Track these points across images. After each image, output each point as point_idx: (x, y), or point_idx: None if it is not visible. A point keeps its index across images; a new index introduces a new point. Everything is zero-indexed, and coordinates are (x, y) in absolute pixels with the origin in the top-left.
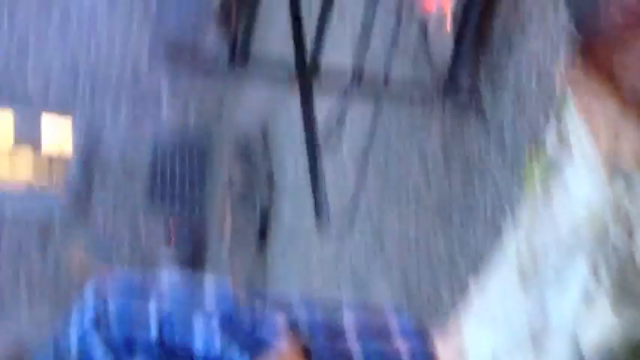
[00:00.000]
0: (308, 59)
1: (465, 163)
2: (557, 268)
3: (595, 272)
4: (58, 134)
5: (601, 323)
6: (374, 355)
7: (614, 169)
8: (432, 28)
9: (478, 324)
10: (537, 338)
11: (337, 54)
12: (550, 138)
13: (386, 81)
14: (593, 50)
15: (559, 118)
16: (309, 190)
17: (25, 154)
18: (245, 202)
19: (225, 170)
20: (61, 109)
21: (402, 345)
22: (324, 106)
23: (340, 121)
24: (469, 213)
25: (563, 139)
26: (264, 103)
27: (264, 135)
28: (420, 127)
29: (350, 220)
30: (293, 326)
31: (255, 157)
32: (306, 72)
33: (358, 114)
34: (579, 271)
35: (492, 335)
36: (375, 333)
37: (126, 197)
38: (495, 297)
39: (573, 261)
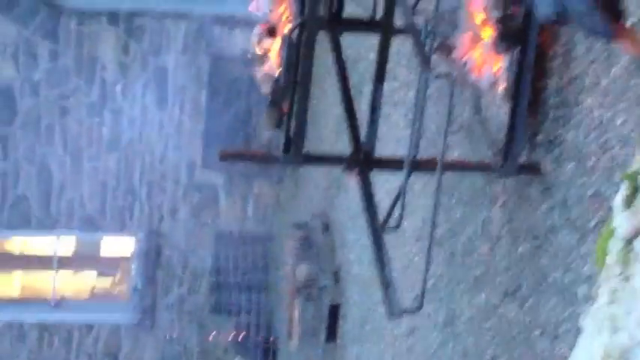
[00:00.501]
0: (362, 147)
1: (530, 231)
2: None
3: None
4: (119, 242)
5: None
6: None
7: None
8: (485, 93)
9: None
10: None
11: (392, 137)
12: (621, 223)
13: (443, 155)
14: None
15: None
16: (376, 279)
17: (90, 265)
18: (312, 298)
19: (288, 265)
20: (120, 220)
21: None
22: (382, 188)
23: (400, 201)
24: (539, 282)
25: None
26: (322, 194)
27: (325, 227)
28: (482, 198)
29: (419, 299)
30: None
31: (319, 251)
32: (361, 160)
33: (417, 191)
34: None
35: None
36: None
37: (191, 299)
38: None
39: None
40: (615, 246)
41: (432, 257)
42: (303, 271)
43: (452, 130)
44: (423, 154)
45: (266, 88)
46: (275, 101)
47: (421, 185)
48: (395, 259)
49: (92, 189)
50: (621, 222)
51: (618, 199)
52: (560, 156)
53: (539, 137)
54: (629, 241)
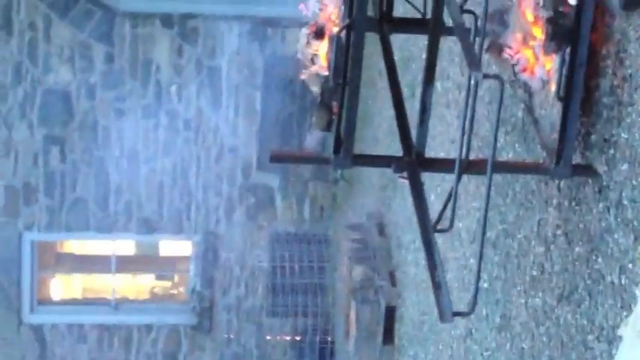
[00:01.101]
0: (413, 148)
1: (585, 233)
2: None
3: None
4: (177, 244)
5: None
6: None
7: None
8: (537, 93)
9: None
10: None
11: (446, 138)
12: None
13: (493, 156)
14: None
15: None
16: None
17: (148, 266)
18: (368, 300)
19: (344, 266)
20: (177, 222)
21: None
22: (436, 189)
23: (452, 202)
24: (595, 285)
25: None
26: (377, 195)
27: (381, 228)
28: (536, 199)
29: (472, 302)
30: None
31: (374, 253)
32: (412, 161)
33: (471, 192)
34: None
35: None
36: None
37: (248, 300)
38: None
39: None
40: None
41: (485, 259)
42: (358, 272)
43: (505, 130)
44: (477, 154)
45: (315, 89)
46: (324, 102)
47: (474, 186)
48: (449, 260)
49: (149, 191)
50: None
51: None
52: (614, 156)
53: (593, 137)
54: None
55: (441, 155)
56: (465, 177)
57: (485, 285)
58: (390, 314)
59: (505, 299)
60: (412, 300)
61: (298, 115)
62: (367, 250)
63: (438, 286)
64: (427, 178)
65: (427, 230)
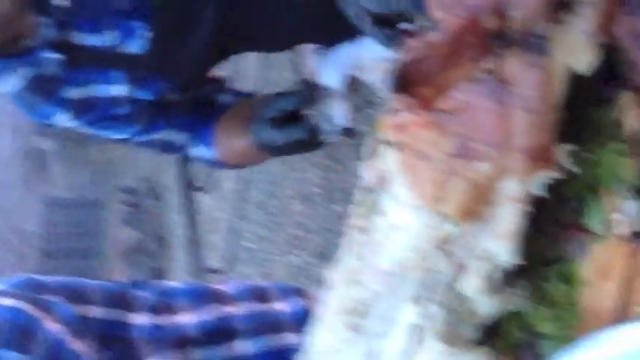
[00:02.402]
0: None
1: (343, 192)
2: (386, 315)
3: (424, 313)
4: None
5: (432, 358)
6: (252, 314)
7: (440, 214)
8: None
9: None
10: None
11: None
12: (369, 175)
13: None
14: (415, 94)
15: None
16: (197, 241)
17: None
18: (137, 263)
19: (115, 230)
20: None
21: (281, 304)
22: None
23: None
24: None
25: (383, 180)
26: (150, 157)
27: (152, 191)
28: (299, 159)
29: (229, 260)
30: None
31: (145, 216)
32: None
33: None
34: (408, 314)
35: None
36: (255, 297)
37: (20, 267)
38: (326, 354)
39: (401, 304)
40: (360, 197)
41: (250, 219)
42: (129, 235)
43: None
44: None
45: None
46: None
47: None
48: (218, 221)
49: None
50: (366, 171)
51: (365, 151)
52: (372, 116)
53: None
54: (371, 191)
55: None
56: None
57: (250, 245)
58: (159, 276)
59: (268, 259)
60: (180, 261)
61: None
62: (139, 213)
63: (194, 243)
64: None
65: (187, 189)
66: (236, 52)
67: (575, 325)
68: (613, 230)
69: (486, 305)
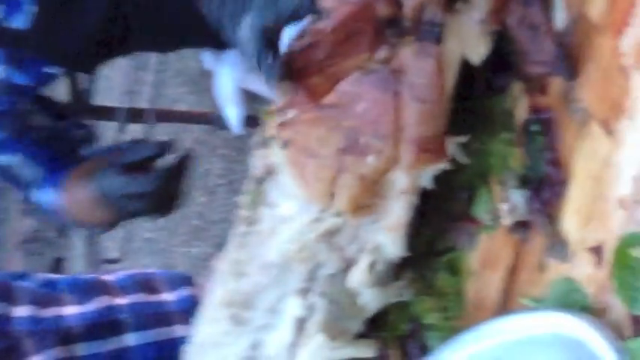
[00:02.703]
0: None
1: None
2: (270, 307)
3: (309, 305)
4: None
5: (314, 350)
6: (139, 305)
7: (328, 206)
8: None
9: None
10: None
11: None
12: (257, 166)
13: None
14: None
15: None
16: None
17: None
18: (36, 253)
19: (15, 219)
20: None
21: (168, 295)
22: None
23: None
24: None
25: (271, 171)
26: None
27: None
28: (203, 150)
29: (133, 246)
30: None
31: None
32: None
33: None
34: (293, 306)
35: None
36: (142, 288)
37: None
38: (209, 346)
39: (286, 297)
40: (249, 187)
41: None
42: (27, 224)
43: (180, 81)
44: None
45: None
46: None
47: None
48: None
49: None
50: (255, 162)
51: (255, 141)
52: None
53: None
54: (260, 182)
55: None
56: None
57: (149, 235)
58: (58, 266)
59: (168, 249)
60: (80, 251)
61: None
62: None
63: (93, 233)
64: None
65: None
66: (127, 46)
67: (461, 316)
68: (500, 220)
69: (372, 298)
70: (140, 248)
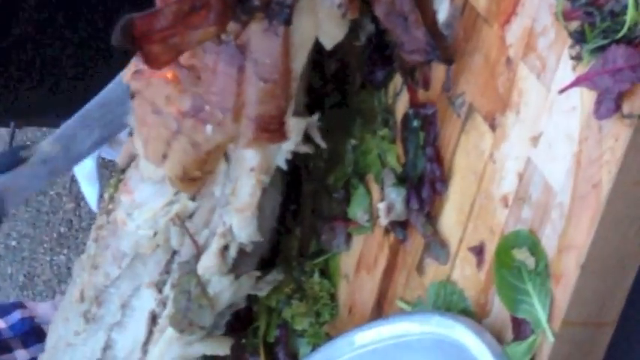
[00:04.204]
0: None
1: None
2: (123, 302)
3: (161, 298)
4: None
5: (165, 346)
6: None
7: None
8: None
9: None
10: None
11: None
12: (121, 156)
13: None
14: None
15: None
16: None
17: None
18: None
19: None
20: None
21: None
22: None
23: None
24: None
25: (134, 156)
26: None
27: None
28: None
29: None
30: None
31: None
32: None
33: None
34: (146, 299)
35: None
36: None
37: None
38: (61, 348)
39: (140, 290)
40: (112, 180)
41: (15, 217)
42: None
43: None
44: None
45: None
46: None
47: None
48: None
49: None
50: (120, 155)
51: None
52: None
53: None
54: (123, 172)
55: None
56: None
57: (14, 243)
58: None
59: (31, 257)
60: None
61: None
62: None
63: None
64: None
65: None
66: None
67: (334, 322)
68: (377, 220)
69: (222, 288)
70: (2, 257)
